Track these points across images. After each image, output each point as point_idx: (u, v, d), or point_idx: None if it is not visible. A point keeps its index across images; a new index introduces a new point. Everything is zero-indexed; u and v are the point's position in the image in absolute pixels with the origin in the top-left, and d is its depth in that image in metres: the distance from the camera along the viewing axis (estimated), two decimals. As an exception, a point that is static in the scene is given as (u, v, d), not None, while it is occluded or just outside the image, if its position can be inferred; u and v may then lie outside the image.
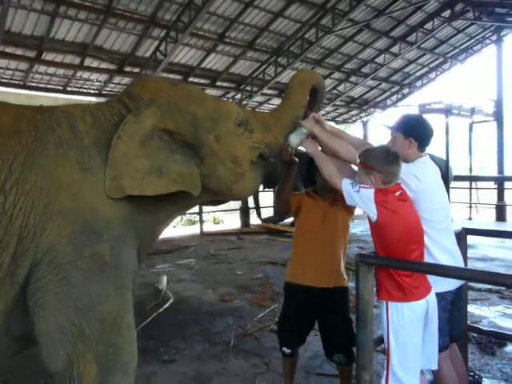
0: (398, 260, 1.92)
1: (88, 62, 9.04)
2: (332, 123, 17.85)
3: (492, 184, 12.92)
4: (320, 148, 2.36)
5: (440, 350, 2.18)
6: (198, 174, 1.96)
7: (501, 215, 12.06)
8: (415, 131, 2.26)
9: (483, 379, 3.07)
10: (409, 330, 1.96)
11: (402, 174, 2.10)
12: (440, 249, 2.18)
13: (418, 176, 2.16)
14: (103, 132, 1.82)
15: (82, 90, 10.30)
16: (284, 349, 2.70)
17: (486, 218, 12.23)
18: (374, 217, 1.96)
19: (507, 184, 12.71)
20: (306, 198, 2.69)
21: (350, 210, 2.63)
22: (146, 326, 4.24)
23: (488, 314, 4.40)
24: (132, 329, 1.76)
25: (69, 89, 10.05)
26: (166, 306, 4.89)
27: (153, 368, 3.43)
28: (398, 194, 2.04)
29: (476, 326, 3.29)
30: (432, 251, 2.16)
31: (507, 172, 13.12)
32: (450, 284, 2.20)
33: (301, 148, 2.44)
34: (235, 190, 2.09)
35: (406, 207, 2.04)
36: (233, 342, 3.87)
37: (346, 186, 2.05)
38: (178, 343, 3.90)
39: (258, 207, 10.53)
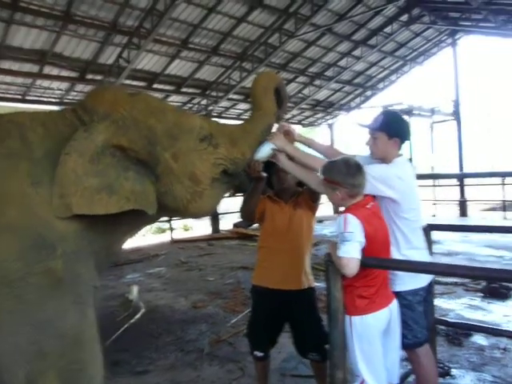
0: (371, 258, 1.90)
1: (48, 69, 8.78)
2: (298, 126, 18.06)
3: (454, 181, 13.40)
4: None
5: (421, 344, 2.22)
6: (154, 192, 1.87)
7: (463, 211, 12.50)
8: (400, 131, 2.25)
9: (452, 370, 3.17)
10: (372, 338, 1.96)
11: (382, 178, 2.10)
12: (412, 247, 2.22)
13: (400, 176, 2.17)
14: (55, 144, 1.72)
15: (42, 98, 10.01)
16: (256, 352, 2.70)
17: (449, 215, 12.64)
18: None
19: (468, 181, 13.21)
20: (268, 202, 2.68)
21: (312, 210, 2.67)
22: (118, 338, 4.15)
23: (454, 306, 4.54)
24: (96, 343, 1.70)
25: (28, 98, 9.73)
26: (137, 316, 4.80)
27: (126, 381, 3.36)
28: (368, 206, 2.03)
29: (443, 318, 3.38)
30: (405, 251, 2.20)
31: (467, 169, 13.62)
32: (423, 280, 2.24)
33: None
34: (191, 209, 1.99)
35: (375, 219, 2.02)
36: (207, 349, 3.84)
37: (344, 253, 1.87)
38: (151, 353, 3.83)
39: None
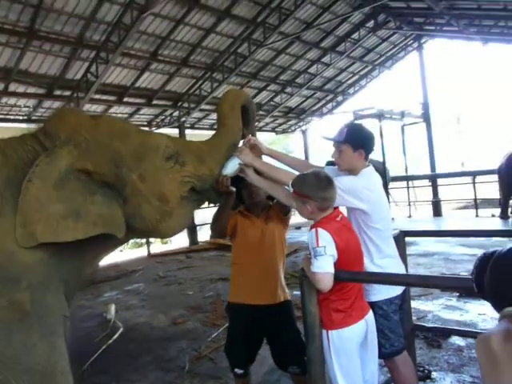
0: (343, 271, 1.90)
1: (13, 87, 8.58)
2: (272, 134, 18.15)
3: (427, 182, 13.66)
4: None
5: (398, 352, 2.22)
6: (121, 215, 1.84)
7: (436, 211, 12.75)
8: (364, 143, 2.28)
9: (432, 372, 3.20)
10: (350, 351, 1.95)
11: (351, 190, 2.11)
12: (385, 256, 2.24)
13: (368, 187, 2.19)
14: (16, 171, 1.68)
15: (8, 116, 9.76)
16: (236, 370, 2.67)
17: (423, 215, 12.87)
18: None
19: (440, 181, 13.49)
20: (240, 217, 2.65)
21: (284, 222, 2.66)
22: (96, 360, 4.04)
23: (432, 307, 4.60)
24: (67, 375, 1.64)
25: (-6, 116, 9.50)
26: (115, 336, 4.70)
27: (105, 405, 3.27)
28: (338, 219, 2.03)
29: (421, 324, 3.42)
30: (377, 260, 2.21)
31: (439, 169, 13.92)
32: (397, 289, 2.26)
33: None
34: (162, 229, 1.97)
35: (345, 232, 2.02)
36: (187, 366, 3.77)
37: (317, 269, 1.86)
38: (131, 375, 3.74)
39: None
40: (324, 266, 1.84)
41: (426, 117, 13.47)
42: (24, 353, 1.50)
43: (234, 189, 2.36)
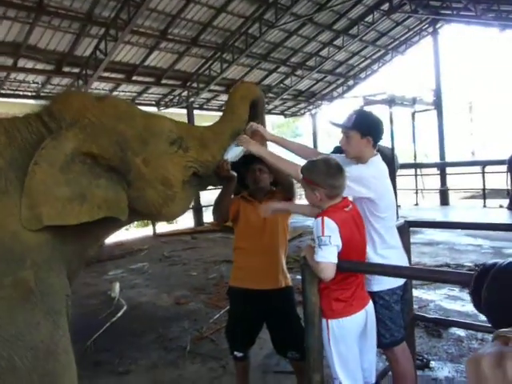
0: (345, 261, 1.88)
1: (22, 62, 8.54)
2: (281, 117, 18.01)
3: (435, 170, 13.54)
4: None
5: (398, 343, 2.23)
6: (125, 199, 1.85)
7: (444, 199, 12.67)
8: (372, 130, 2.27)
9: (431, 362, 3.21)
10: (349, 341, 1.95)
11: (359, 179, 2.10)
12: (388, 247, 2.23)
13: (375, 176, 2.19)
14: (20, 152, 1.68)
15: (17, 92, 9.75)
16: (236, 353, 2.70)
17: (431, 203, 12.80)
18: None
19: (449, 169, 13.36)
20: (242, 202, 2.65)
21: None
22: (99, 337, 4.11)
23: (434, 297, 4.61)
24: (69, 353, 1.67)
25: (3, 91, 9.47)
26: (119, 314, 4.76)
27: (107, 381, 3.34)
28: (347, 209, 1.99)
29: (422, 314, 3.42)
30: (381, 251, 2.20)
31: (448, 158, 13.78)
32: (400, 279, 2.25)
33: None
34: (165, 212, 2.00)
35: (352, 222, 1.99)
36: (189, 346, 3.83)
37: (321, 258, 1.84)
38: (134, 353, 3.80)
39: None
40: (328, 256, 1.83)
41: (437, 104, 13.27)
42: (27, 331, 1.52)
43: (234, 173, 2.35)
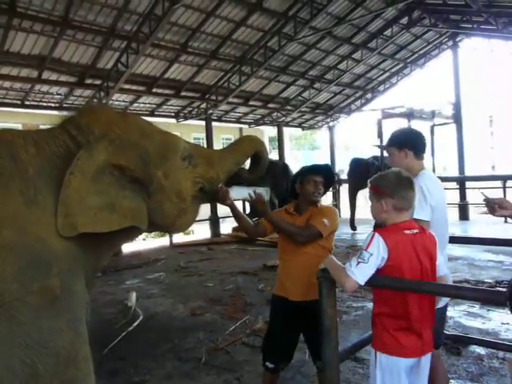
0: (384, 277, 1.78)
1: (46, 75, 8.78)
2: (298, 129, 18.05)
3: (454, 184, 13.33)
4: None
5: (437, 348, 2.25)
6: (146, 209, 1.95)
7: (464, 214, 12.44)
8: (408, 142, 2.39)
9: (450, 380, 3.14)
10: (397, 376, 1.84)
11: (425, 208, 2.13)
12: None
13: (429, 188, 2.22)
14: (48, 162, 1.76)
15: (41, 103, 10.02)
16: (267, 363, 2.71)
17: (450, 218, 12.58)
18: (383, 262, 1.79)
19: (468, 184, 13.14)
20: (284, 215, 2.77)
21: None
22: (115, 346, 4.14)
23: (453, 313, 4.51)
24: (89, 360, 1.70)
25: (27, 103, 9.75)
26: (135, 324, 4.79)
27: (122, 391, 3.34)
28: (409, 232, 1.87)
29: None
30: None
31: (468, 172, 13.57)
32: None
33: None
34: (178, 224, 2.14)
35: (411, 248, 1.84)
36: (204, 358, 3.82)
37: (351, 273, 1.79)
38: (149, 363, 3.81)
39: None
40: (357, 274, 1.77)
41: (457, 117, 13.13)
42: (51, 338, 1.55)
43: (233, 201, 2.50)
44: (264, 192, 2.61)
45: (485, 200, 2.28)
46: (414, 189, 1.93)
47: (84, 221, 1.71)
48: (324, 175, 2.75)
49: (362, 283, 1.78)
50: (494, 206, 2.07)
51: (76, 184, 1.71)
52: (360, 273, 1.77)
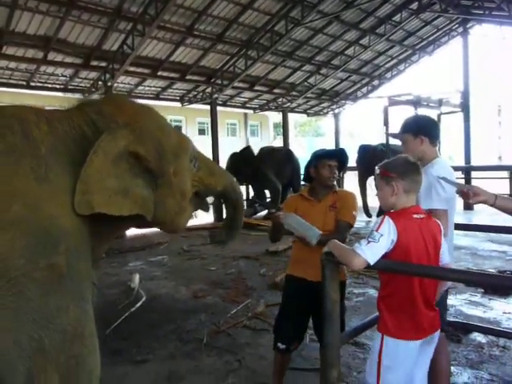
0: (387, 261, 1.78)
1: (52, 56, 8.76)
2: (303, 116, 17.95)
3: (460, 174, 13.25)
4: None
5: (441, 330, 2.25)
6: (153, 200, 2.00)
7: (468, 204, 12.37)
8: (423, 128, 2.36)
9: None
10: (400, 368, 1.85)
11: (430, 180, 2.13)
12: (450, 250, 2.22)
13: (446, 176, 2.18)
14: (60, 141, 1.78)
15: (46, 85, 10.00)
16: (279, 344, 2.71)
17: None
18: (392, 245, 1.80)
19: (474, 173, 13.05)
20: (300, 200, 2.78)
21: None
22: (118, 326, 4.18)
23: (455, 302, 4.51)
24: (94, 337, 1.73)
25: (32, 84, 9.74)
26: (138, 304, 4.82)
27: (125, 369, 3.38)
28: (417, 216, 1.89)
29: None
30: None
31: (474, 162, 13.47)
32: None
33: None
34: (176, 221, 2.18)
35: (418, 233, 1.86)
36: (206, 339, 3.85)
37: (361, 251, 1.77)
38: (151, 343, 3.85)
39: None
40: (367, 252, 1.75)
41: (464, 106, 12.99)
42: (57, 314, 1.56)
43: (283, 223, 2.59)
44: (314, 237, 2.49)
45: (457, 188, 2.21)
46: (421, 173, 1.95)
47: (99, 200, 1.75)
48: (338, 159, 2.75)
49: (372, 262, 1.75)
50: (468, 193, 2.04)
51: (98, 164, 1.74)
52: (371, 252, 1.75)
